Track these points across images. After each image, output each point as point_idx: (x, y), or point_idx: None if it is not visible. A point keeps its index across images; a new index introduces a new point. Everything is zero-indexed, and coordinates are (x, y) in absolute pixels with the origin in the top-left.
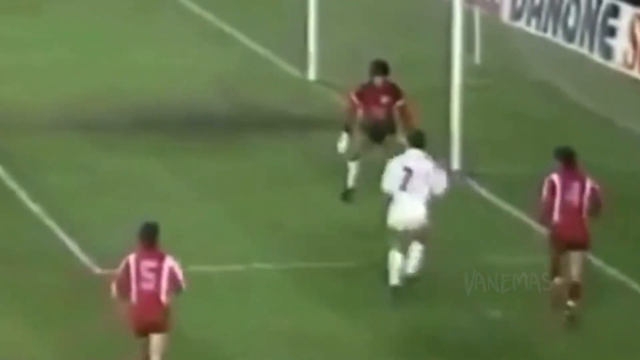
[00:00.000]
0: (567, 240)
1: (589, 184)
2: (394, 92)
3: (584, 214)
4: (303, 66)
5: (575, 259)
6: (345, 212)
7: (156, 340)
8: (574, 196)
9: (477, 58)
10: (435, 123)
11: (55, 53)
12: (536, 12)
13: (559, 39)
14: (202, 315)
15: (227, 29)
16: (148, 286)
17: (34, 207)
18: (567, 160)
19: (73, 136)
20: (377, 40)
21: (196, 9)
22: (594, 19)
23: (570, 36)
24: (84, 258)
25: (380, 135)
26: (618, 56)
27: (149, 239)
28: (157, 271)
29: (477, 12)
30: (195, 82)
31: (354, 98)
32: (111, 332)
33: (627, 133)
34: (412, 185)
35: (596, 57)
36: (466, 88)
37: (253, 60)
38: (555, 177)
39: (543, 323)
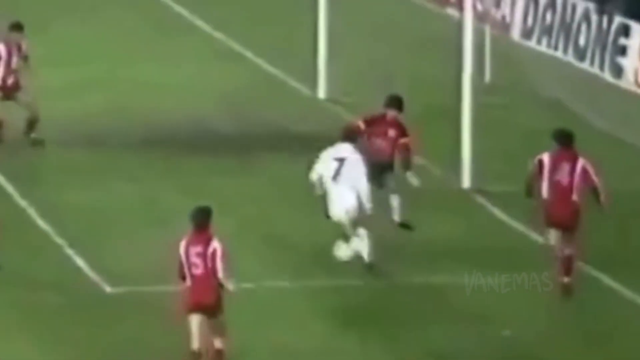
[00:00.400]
0: (555, 219)
1: (580, 164)
2: (402, 129)
3: (574, 195)
4: (313, 84)
5: (565, 237)
6: None
7: (213, 323)
8: (563, 177)
9: (487, 76)
10: (446, 141)
11: (64, 71)
12: (547, 31)
13: (570, 58)
14: None
15: (238, 47)
16: (197, 271)
17: (44, 225)
18: (563, 140)
19: (82, 154)
20: (388, 59)
21: (207, 27)
22: (605, 38)
23: (581, 55)
24: (94, 276)
25: (380, 173)
26: (629, 75)
27: (198, 224)
28: (204, 256)
29: (487, 31)
30: (205, 99)
31: (361, 124)
32: (121, 351)
33: (637, 150)
34: (342, 176)
35: (607, 76)
36: (476, 106)
37: (263, 78)
38: (544, 157)
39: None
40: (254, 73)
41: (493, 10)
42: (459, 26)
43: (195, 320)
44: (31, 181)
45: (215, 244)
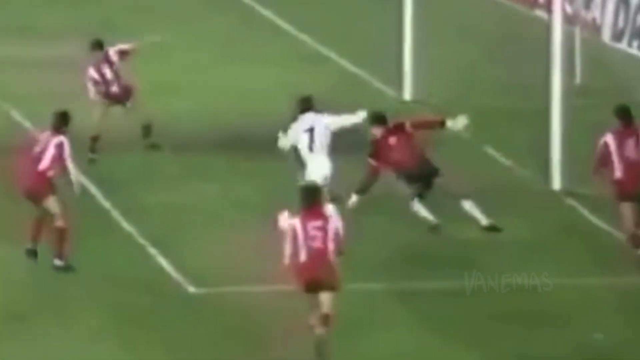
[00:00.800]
0: (628, 192)
1: None
2: (400, 129)
3: None
4: (398, 86)
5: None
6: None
7: (326, 297)
8: (630, 152)
9: (578, 78)
10: (536, 143)
11: (151, 74)
12: (638, 33)
13: None
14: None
15: (323, 49)
16: (317, 244)
17: (127, 227)
18: (625, 116)
19: (167, 155)
20: (475, 60)
21: (292, 30)
22: None
23: None
24: (177, 277)
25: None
26: None
27: (310, 200)
28: (324, 230)
29: (577, 33)
30: (290, 102)
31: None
32: (204, 351)
33: None
34: (316, 144)
35: None
36: (567, 108)
37: (349, 80)
38: (608, 137)
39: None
40: (339, 75)
41: (583, 12)
42: (548, 28)
43: (312, 298)
44: (114, 182)
45: (338, 223)
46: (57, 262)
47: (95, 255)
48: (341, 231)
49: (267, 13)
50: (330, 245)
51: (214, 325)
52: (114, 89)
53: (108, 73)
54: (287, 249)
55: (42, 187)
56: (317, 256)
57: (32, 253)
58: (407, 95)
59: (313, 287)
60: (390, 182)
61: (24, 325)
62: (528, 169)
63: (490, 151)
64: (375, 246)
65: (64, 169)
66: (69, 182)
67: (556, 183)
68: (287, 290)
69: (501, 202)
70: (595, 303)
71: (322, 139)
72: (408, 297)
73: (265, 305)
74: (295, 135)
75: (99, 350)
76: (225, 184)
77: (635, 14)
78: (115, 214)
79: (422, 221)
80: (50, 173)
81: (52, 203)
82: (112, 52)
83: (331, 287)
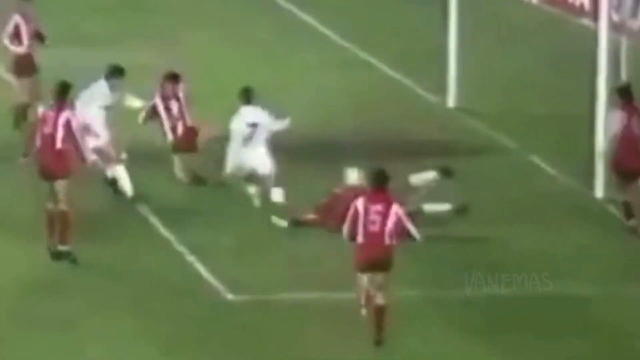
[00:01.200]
0: (624, 169)
1: None
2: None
3: None
4: (442, 93)
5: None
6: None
7: (380, 278)
8: (636, 128)
9: None
10: (580, 151)
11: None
12: None
13: None
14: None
15: (366, 56)
16: (374, 228)
17: (166, 233)
18: (625, 95)
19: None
20: (520, 68)
21: (335, 36)
22: None
23: None
24: (215, 284)
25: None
26: None
27: (378, 183)
28: (384, 215)
29: (623, 41)
30: (333, 108)
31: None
32: (245, 358)
33: None
34: (257, 137)
35: None
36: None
37: (392, 86)
38: (618, 115)
39: None
40: (383, 81)
41: (629, 21)
42: (594, 36)
43: (365, 279)
44: (153, 190)
45: (399, 210)
46: (62, 247)
47: (134, 262)
48: (405, 218)
49: (309, 19)
50: (388, 230)
51: (252, 332)
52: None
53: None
54: (346, 229)
55: (59, 166)
56: (374, 240)
57: (56, 255)
58: (451, 102)
59: (368, 268)
60: None
61: (68, 328)
62: (572, 177)
63: (536, 160)
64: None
65: (76, 146)
66: (82, 157)
67: (599, 191)
68: (325, 298)
69: (545, 211)
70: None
71: (260, 136)
72: (450, 304)
73: (302, 313)
74: (238, 126)
75: (139, 354)
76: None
77: None
78: (154, 220)
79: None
80: (66, 151)
81: (63, 185)
82: (182, 94)
83: (384, 269)
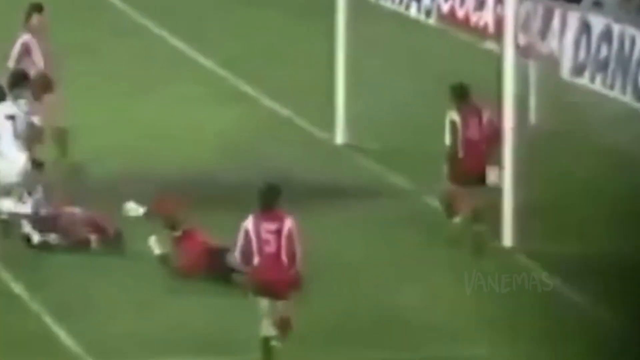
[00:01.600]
0: (466, 177)
1: (485, 116)
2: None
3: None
4: (330, 129)
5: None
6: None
7: (281, 304)
8: (473, 133)
9: (532, 117)
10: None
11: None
12: (602, 67)
13: (628, 98)
14: None
15: (250, 90)
16: (269, 249)
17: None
18: (461, 96)
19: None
20: (416, 99)
21: (211, 65)
22: None
23: None
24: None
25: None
26: None
27: (268, 201)
28: (278, 233)
29: (531, 67)
30: (207, 146)
31: None
32: None
33: None
34: (15, 134)
35: None
36: (520, 151)
37: (276, 122)
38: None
39: None
40: (267, 116)
41: (538, 44)
42: (498, 61)
43: (264, 303)
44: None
45: (290, 224)
46: None
47: None
48: (296, 234)
49: (179, 44)
50: (285, 250)
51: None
52: None
53: None
54: (238, 253)
55: None
56: (269, 261)
57: None
58: (340, 139)
59: (264, 292)
60: None
61: None
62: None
63: (430, 201)
64: None
65: None
66: None
67: (507, 240)
68: None
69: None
70: None
71: (20, 130)
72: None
73: None
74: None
75: None
76: None
77: (598, 45)
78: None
79: None
80: None
81: None
82: None
83: (283, 294)
